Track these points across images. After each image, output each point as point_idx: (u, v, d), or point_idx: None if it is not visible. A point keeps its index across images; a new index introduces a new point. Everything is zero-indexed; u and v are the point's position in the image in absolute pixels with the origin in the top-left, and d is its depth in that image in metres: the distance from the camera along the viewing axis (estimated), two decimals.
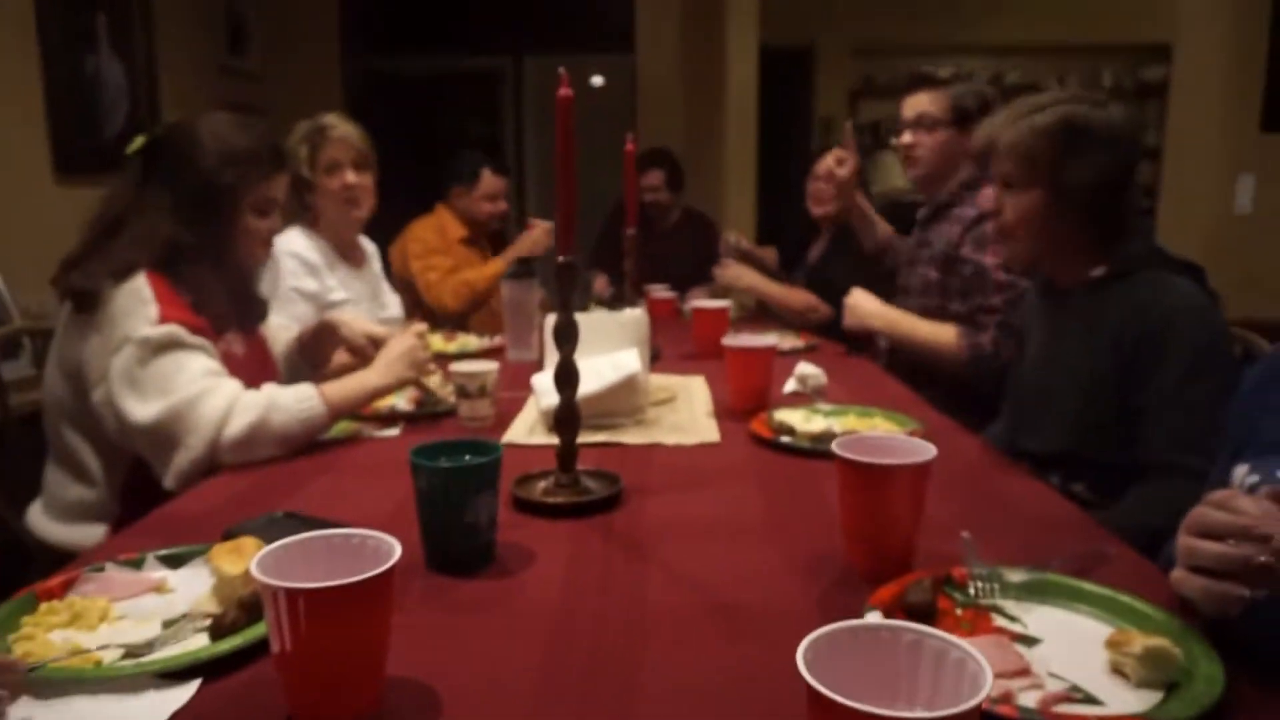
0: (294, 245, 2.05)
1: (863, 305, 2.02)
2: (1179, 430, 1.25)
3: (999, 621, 0.78)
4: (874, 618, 0.74)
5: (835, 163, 2.41)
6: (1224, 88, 3.07)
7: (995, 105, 2.10)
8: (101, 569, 0.89)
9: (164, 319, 1.29)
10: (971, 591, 0.83)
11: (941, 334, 1.94)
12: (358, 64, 4.57)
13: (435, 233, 2.94)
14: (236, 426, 1.26)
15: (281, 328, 1.82)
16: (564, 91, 1.01)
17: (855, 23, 6.57)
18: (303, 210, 2.11)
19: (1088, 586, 0.81)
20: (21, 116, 2.66)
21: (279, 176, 1.50)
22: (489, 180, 2.98)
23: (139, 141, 1.43)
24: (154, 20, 3.27)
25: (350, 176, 2.08)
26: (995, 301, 1.90)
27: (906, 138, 2.14)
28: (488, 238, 3.11)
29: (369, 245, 2.31)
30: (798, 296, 2.69)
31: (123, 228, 1.37)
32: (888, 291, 2.29)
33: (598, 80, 5.93)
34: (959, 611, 0.80)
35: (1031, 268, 1.54)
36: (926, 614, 0.77)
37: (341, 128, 2.09)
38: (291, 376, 1.70)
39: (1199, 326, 1.27)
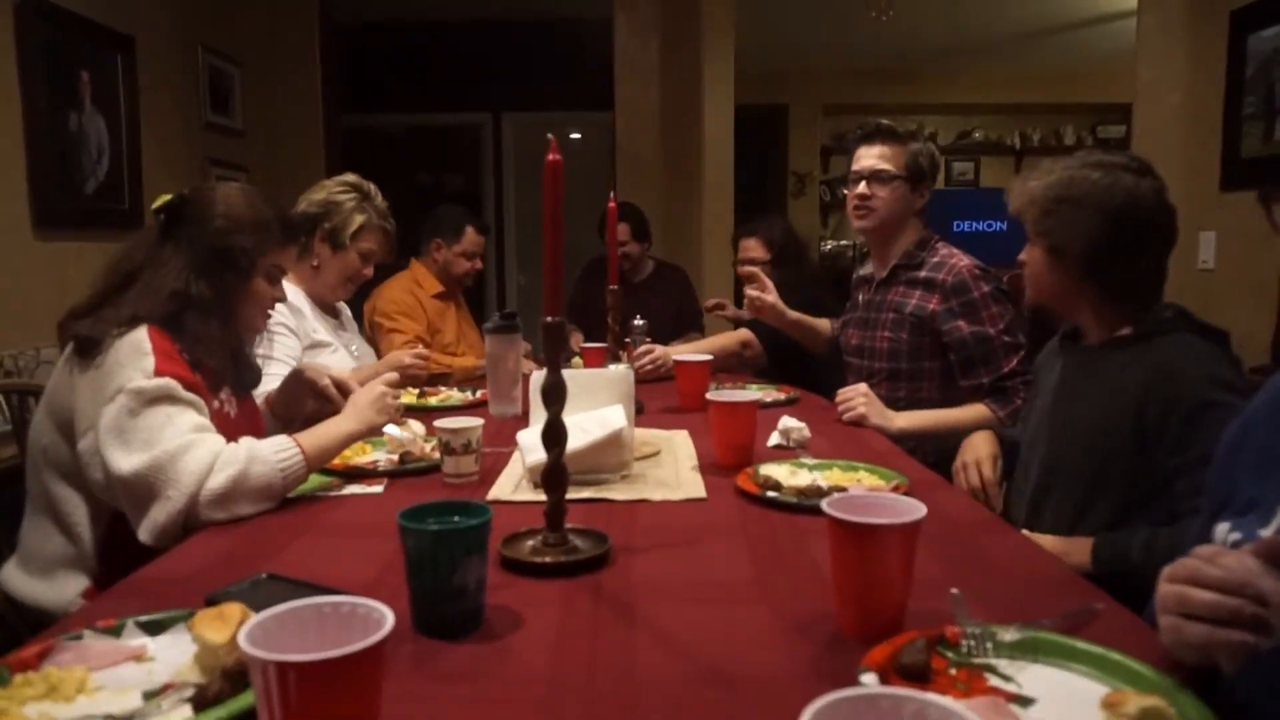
0: None
1: (897, 420, 1.92)
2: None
3: (993, 681, 0.78)
4: (869, 680, 0.73)
5: (755, 294, 2.34)
6: (1183, 149, 3.19)
7: (938, 165, 2.22)
8: (78, 637, 0.87)
9: (159, 372, 1.30)
10: (964, 650, 0.83)
11: (972, 414, 1.95)
12: (340, 121, 4.62)
13: (407, 292, 2.93)
14: (218, 481, 1.26)
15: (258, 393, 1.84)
16: (552, 156, 1.03)
17: (826, 84, 6.80)
18: (303, 253, 2.15)
19: (1080, 644, 0.81)
20: (1, 171, 2.66)
21: (290, 248, 1.59)
22: (471, 237, 3.00)
23: (164, 199, 1.47)
24: (137, 77, 3.29)
25: (370, 270, 2.25)
26: (1015, 366, 1.96)
27: (862, 189, 2.12)
28: (463, 292, 3.12)
29: (342, 305, 2.38)
30: (730, 337, 2.72)
31: (136, 279, 1.41)
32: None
33: (575, 136, 6.03)
34: (953, 671, 0.80)
35: (1055, 317, 1.59)
36: (921, 675, 0.77)
37: (390, 224, 2.25)
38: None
39: (1229, 396, 1.28)
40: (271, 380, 1.86)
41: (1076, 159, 1.46)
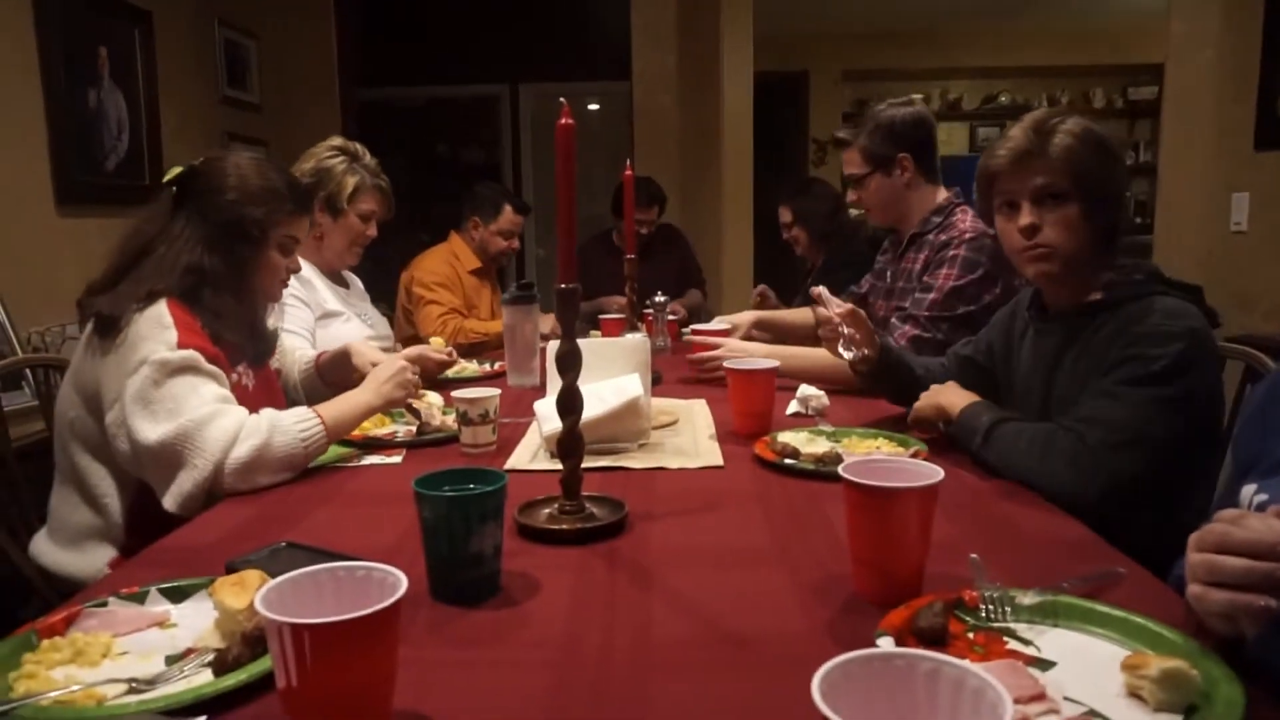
0: None
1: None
2: (1099, 411, 1.24)
3: (1012, 645, 0.78)
4: (886, 643, 0.73)
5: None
6: (1216, 107, 3.10)
7: (924, 119, 2.09)
8: (104, 604, 0.88)
9: (183, 344, 1.32)
10: (983, 614, 0.82)
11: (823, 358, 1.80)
12: (357, 94, 4.61)
13: (446, 264, 2.94)
14: (242, 450, 1.27)
15: (295, 348, 1.90)
16: (565, 121, 1.02)
17: (846, 49, 6.66)
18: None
19: (1100, 608, 0.80)
20: (24, 148, 2.67)
21: (303, 218, 1.58)
22: (509, 216, 2.99)
23: (175, 171, 1.47)
24: (155, 53, 3.29)
25: (373, 230, 2.23)
26: (930, 313, 1.91)
27: (850, 195, 2.26)
28: (497, 270, 3.13)
29: (351, 275, 2.38)
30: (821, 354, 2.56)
31: (150, 253, 1.42)
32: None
33: (593, 107, 5.98)
34: (971, 635, 0.79)
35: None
36: (938, 638, 0.76)
37: (384, 181, 2.23)
38: (311, 398, 1.77)
39: (1170, 340, 1.23)
40: (293, 351, 1.89)
41: (1051, 110, 1.38)
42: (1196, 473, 1.29)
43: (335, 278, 2.26)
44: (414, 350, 1.90)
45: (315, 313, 2.10)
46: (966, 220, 2.01)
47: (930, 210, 2.09)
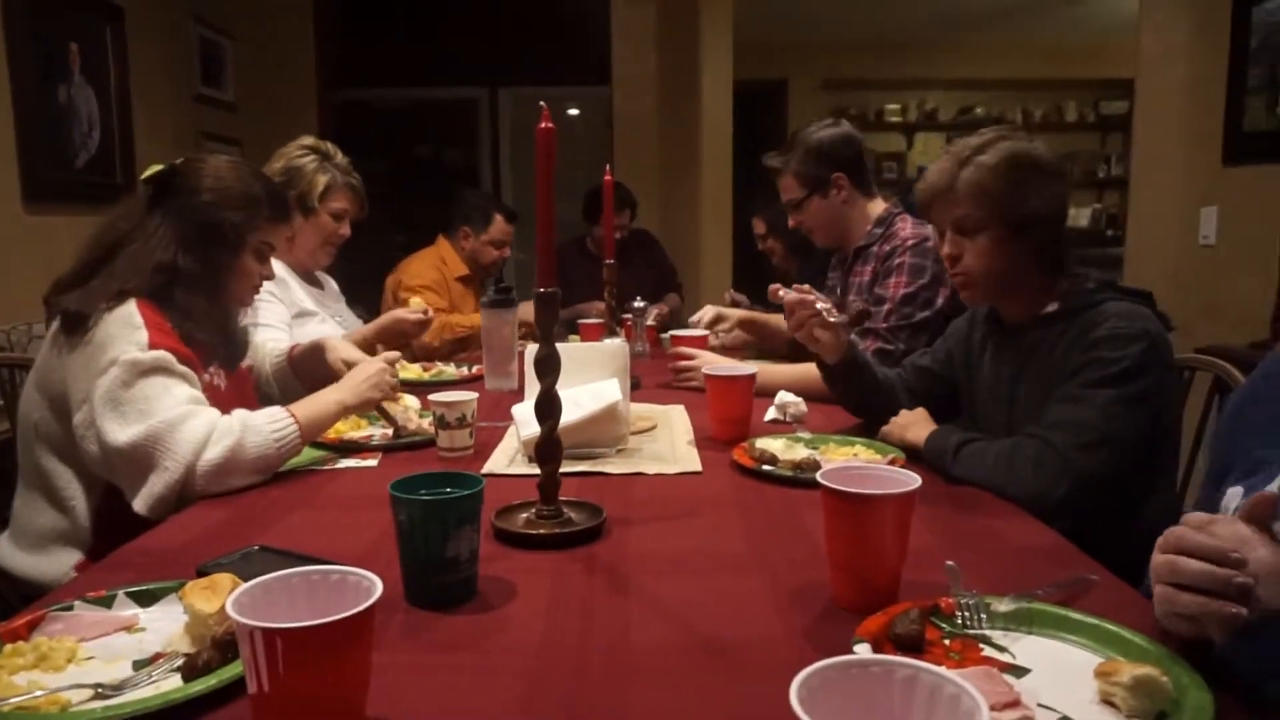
0: None
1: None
2: (1064, 415, 1.26)
3: (987, 651, 0.78)
4: (863, 650, 0.73)
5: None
6: (1185, 122, 3.15)
7: (851, 137, 2.12)
8: (69, 608, 0.86)
9: (153, 345, 1.29)
10: (959, 621, 0.82)
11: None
12: (334, 94, 4.57)
13: (434, 268, 2.92)
14: (214, 453, 1.25)
15: (269, 339, 1.87)
16: (544, 125, 1.01)
17: (826, 58, 6.72)
18: None
19: (1074, 615, 0.81)
20: None
21: (280, 225, 1.56)
22: (500, 225, 2.98)
23: (154, 169, 1.45)
24: (127, 49, 3.25)
25: (346, 229, 2.20)
26: (888, 323, 1.94)
27: (791, 221, 2.23)
28: (484, 279, 3.12)
29: (325, 276, 2.35)
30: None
31: (122, 248, 1.39)
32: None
33: (573, 111, 5.98)
34: (947, 642, 0.80)
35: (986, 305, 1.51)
36: (915, 645, 0.77)
37: (356, 179, 2.21)
38: (284, 391, 1.75)
39: (1130, 342, 1.25)
40: (265, 344, 1.86)
41: (985, 136, 1.38)
42: (1155, 471, 1.32)
43: (309, 278, 2.24)
44: (390, 315, 1.86)
45: (291, 310, 2.08)
46: (907, 227, 2.05)
47: (871, 223, 2.12)
